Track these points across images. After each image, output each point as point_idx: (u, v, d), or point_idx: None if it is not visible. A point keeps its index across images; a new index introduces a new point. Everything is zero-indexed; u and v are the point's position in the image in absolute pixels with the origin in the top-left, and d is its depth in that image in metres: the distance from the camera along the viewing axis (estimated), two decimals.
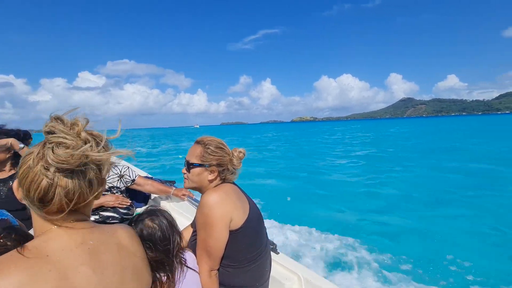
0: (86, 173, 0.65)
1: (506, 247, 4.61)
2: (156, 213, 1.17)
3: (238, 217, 1.27)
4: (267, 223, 5.57)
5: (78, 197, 0.65)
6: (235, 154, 1.37)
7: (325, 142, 29.14)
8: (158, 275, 1.11)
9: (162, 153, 24.18)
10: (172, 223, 1.17)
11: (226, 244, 1.26)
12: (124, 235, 0.79)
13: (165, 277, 1.10)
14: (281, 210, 6.59)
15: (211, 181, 1.34)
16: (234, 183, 1.42)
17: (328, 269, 3.76)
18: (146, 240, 1.07)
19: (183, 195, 2.67)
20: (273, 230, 5.22)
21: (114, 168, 2.40)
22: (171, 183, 2.84)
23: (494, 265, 4.06)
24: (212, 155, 1.32)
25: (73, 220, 0.68)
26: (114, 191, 2.34)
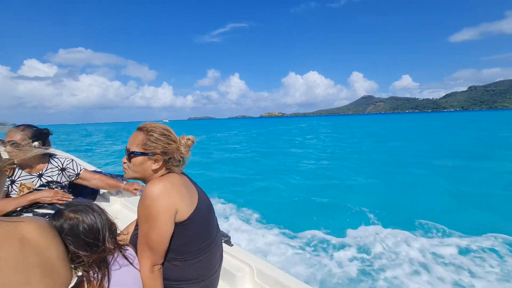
0: None
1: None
2: (80, 204, 1.05)
3: (185, 208, 1.20)
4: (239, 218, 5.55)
5: None
6: (183, 141, 1.29)
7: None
8: (86, 272, 1.00)
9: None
10: (101, 214, 1.06)
11: (172, 237, 1.18)
12: (30, 228, 0.69)
13: (95, 273, 1.00)
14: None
15: (155, 170, 1.25)
16: (182, 173, 1.34)
17: (281, 259, 3.85)
18: (68, 234, 0.96)
19: (135, 189, 2.51)
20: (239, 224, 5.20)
21: (53, 160, 2.18)
22: (123, 177, 2.66)
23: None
24: (155, 142, 1.22)
25: None
26: (53, 186, 2.12)
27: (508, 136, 23.18)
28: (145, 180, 1.28)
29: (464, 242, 4.31)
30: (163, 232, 1.14)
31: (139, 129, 1.27)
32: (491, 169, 10.29)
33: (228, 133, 43.57)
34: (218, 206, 6.27)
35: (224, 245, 1.82)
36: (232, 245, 1.85)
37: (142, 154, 1.22)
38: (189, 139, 1.30)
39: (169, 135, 1.27)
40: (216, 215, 1.46)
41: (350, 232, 4.86)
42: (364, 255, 4.05)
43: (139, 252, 1.18)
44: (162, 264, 1.21)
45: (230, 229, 4.88)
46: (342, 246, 4.33)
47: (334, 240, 4.56)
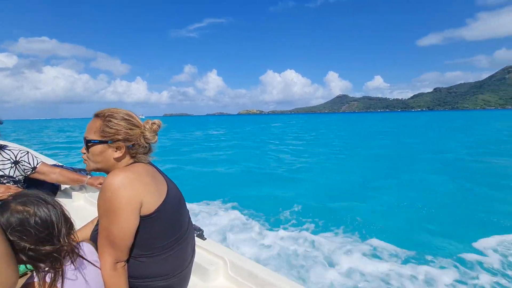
0: None
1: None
2: (30, 195, 0.93)
3: (151, 200, 1.10)
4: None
5: None
6: (147, 126, 1.18)
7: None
8: (36, 272, 0.89)
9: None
10: (56, 207, 0.95)
11: (138, 231, 1.09)
12: None
13: (47, 273, 0.89)
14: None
15: (118, 159, 1.15)
16: (150, 163, 1.24)
17: (255, 251, 3.83)
18: (16, 230, 0.84)
19: (100, 184, 2.33)
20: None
21: (5, 152, 1.97)
22: (87, 171, 2.47)
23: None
24: (115, 128, 1.11)
25: None
26: (5, 181, 1.92)
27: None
28: (108, 171, 1.17)
29: None
30: (125, 226, 1.04)
31: (96, 115, 1.16)
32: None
33: (224, 130, 42.31)
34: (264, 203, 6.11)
35: (196, 238, 1.74)
36: (205, 238, 1.79)
37: (101, 142, 1.12)
38: (155, 123, 1.20)
39: (131, 120, 1.16)
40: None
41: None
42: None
43: (99, 249, 1.08)
44: (127, 261, 1.12)
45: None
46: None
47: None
